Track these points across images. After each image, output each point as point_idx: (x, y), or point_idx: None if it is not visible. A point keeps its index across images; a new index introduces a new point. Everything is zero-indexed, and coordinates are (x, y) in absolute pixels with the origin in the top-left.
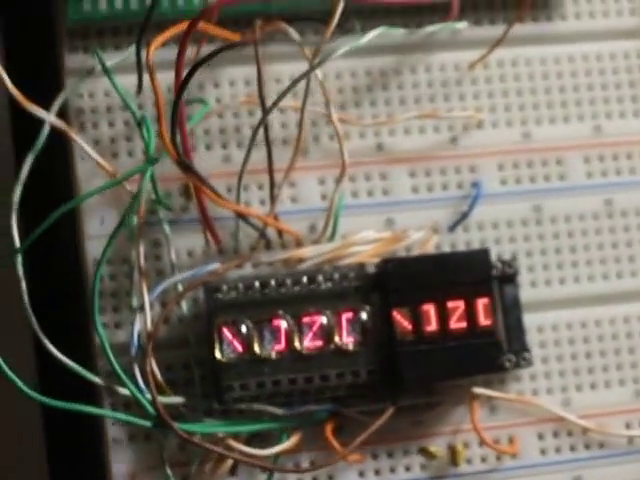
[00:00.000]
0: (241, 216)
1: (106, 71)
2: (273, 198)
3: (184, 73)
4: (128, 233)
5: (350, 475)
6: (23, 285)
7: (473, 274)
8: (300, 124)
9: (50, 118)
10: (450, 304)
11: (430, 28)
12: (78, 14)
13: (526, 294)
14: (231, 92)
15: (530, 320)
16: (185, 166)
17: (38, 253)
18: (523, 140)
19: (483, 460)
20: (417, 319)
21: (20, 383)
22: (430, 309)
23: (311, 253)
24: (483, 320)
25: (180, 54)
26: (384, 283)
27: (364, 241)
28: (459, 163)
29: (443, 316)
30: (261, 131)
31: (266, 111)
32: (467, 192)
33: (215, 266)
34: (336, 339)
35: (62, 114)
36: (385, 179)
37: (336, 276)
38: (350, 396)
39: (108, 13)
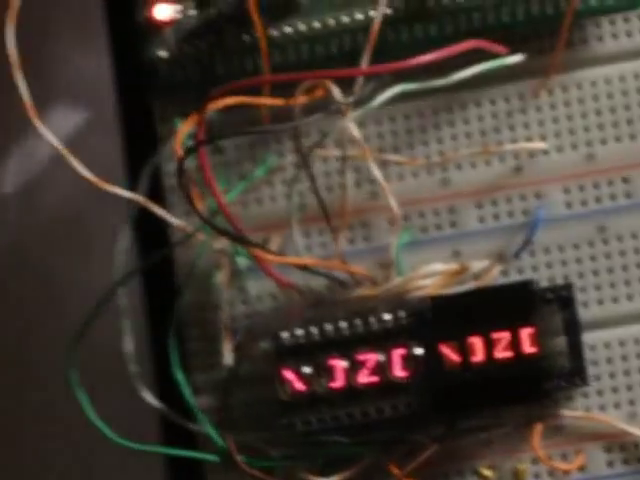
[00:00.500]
0: (301, 267)
1: (180, 138)
2: (336, 242)
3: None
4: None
5: None
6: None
7: (518, 305)
8: (342, 172)
9: (126, 194)
10: (495, 335)
11: (484, 65)
12: (162, 82)
13: (593, 312)
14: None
15: (597, 337)
16: (218, 230)
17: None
18: (588, 162)
19: (550, 475)
20: (464, 351)
21: (107, 431)
22: (476, 341)
23: (380, 289)
24: (528, 348)
25: (198, 133)
26: (432, 319)
27: (429, 274)
28: (524, 190)
29: (489, 347)
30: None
31: (304, 156)
32: (533, 218)
33: (289, 308)
34: (389, 374)
35: (157, 177)
36: (452, 212)
37: (387, 316)
38: (407, 426)
39: (183, 79)
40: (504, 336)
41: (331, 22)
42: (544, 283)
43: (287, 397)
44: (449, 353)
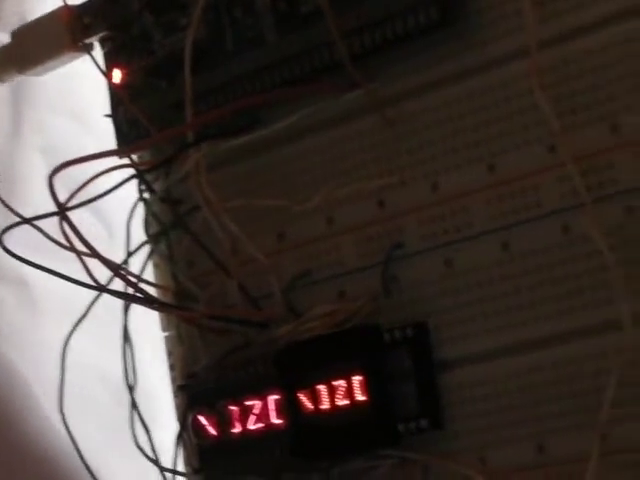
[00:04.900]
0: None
1: None
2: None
3: None
4: None
5: None
6: None
7: (362, 348)
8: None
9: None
10: (335, 382)
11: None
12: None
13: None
14: None
15: (457, 376)
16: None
17: None
18: (432, 194)
19: None
20: (314, 398)
21: None
22: (322, 388)
23: (283, 331)
24: (360, 396)
25: None
26: (285, 367)
27: (316, 316)
28: (386, 227)
29: (332, 394)
30: None
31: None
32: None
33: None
34: (267, 420)
35: None
36: (337, 252)
37: (260, 363)
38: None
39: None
40: (342, 383)
41: None
42: (409, 321)
43: (199, 442)
44: (304, 399)
